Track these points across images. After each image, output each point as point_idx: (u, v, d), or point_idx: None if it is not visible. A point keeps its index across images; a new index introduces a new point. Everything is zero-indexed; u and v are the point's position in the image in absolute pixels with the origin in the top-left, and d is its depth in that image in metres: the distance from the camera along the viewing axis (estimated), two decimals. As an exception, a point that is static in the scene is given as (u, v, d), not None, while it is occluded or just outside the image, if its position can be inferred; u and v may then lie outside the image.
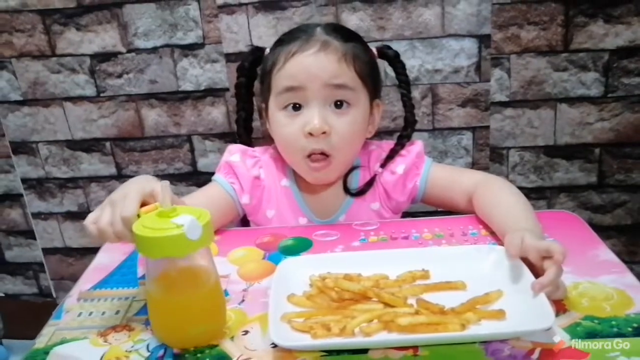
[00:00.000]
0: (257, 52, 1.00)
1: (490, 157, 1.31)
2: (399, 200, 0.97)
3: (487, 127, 1.28)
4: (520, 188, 1.23)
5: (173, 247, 0.60)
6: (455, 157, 1.31)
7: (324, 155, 0.89)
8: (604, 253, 0.78)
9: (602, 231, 1.32)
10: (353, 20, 1.21)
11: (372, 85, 0.93)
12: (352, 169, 0.97)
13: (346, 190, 0.97)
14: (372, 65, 0.94)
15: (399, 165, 0.96)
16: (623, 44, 1.19)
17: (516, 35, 1.21)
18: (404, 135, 0.99)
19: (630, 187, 1.30)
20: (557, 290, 0.67)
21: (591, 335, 0.62)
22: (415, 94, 1.26)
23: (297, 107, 0.88)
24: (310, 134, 0.86)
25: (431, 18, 1.20)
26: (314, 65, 0.86)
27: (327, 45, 0.87)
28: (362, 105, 0.91)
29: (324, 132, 0.86)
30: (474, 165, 1.31)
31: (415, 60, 1.24)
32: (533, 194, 1.33)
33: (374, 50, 0.97)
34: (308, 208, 0.97)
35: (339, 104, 0.88)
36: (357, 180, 0.97)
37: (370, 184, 0.97)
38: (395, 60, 0.99)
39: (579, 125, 1.26)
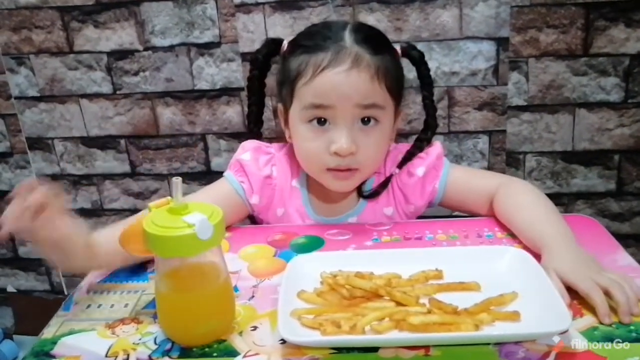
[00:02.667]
0: (272, 45, 0.97)
1: (507, 161, 1.29)
2: (417, 204, 0.94)
3: (504, 131, 1.27)
4: (537, 194, 1.21)
5: (183, 247, 0.60)
6: (471, 161, 1.30)
7: (349, 170, 0.86)
8: (623, 258, 0.76)
9: (621, 239, 1.28)
10: (370, 21, 1.20)
11: (399, 95, 0.90)
12: None
13: (359, 193, 0.95)
14: (399, 72, 0.90)
15: (419, 168, 0.93)
16: (644, 48, 1.17)
17: (535, 39, 1.19)
18: (423, 139, 0.95)
19: (650, 195, 1.28)
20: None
21: (609, 339, 0.60)
22: (432, 96, 1.25)
23: (322, 121, 0.85)
24: (337, 153, 0.84)
25: (449, 20, 1.19)
26: (345, 85, 0.82)
27: (359, 61, 0.82)
28: (388, 121, 0.88)
29: (351, 153, 0.84)
30: (490, 169, 1.30)
31: (432, 63, 1.23)
32: (550, 200, 1.30)
33: (398, 50, 0.92)
34: (315, 211, 0.95)
35: (366, 120, 0.85)
36: (371, 183, 0.95)
37: (384, 185, 0.94)
38: (420, 62, 0.95)
39: (598, 131, 1.24)
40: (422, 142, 0.95)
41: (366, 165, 0.87)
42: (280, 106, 0.95)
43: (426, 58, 1.19)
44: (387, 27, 1.20)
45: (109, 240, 0.72)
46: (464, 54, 1.22)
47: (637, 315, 0.63)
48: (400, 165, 0.94)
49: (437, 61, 1.23)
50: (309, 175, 0.94)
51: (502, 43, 1.20)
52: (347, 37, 0.84)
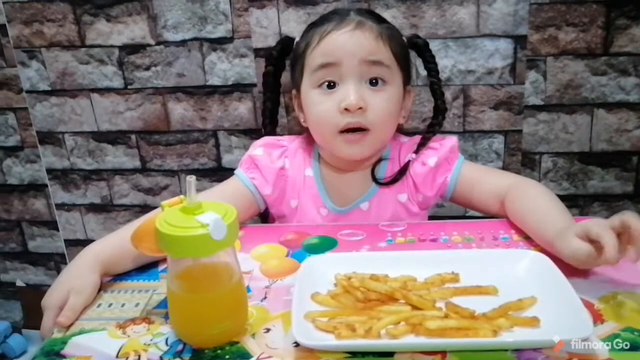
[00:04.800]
0: (286, 42, 0.99)
1: (522, 162, 1.27)
2: (426, 194, 0.95)
3: (520, 131, 1.25)
4: (553, 195, 1.19)
5: (197, 247, 0.59)
6: (486, 160, 1.28)
7: (361, 129, 0.88)
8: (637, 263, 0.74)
9: (638, 242, 1.28)
10: (386, 17, 1.18)
11: (406, 67, 0.93)
12: (380, 160, 0.95)
13: (375, 180, 0.95)
14: (405, 48, 0.94)
15: (431, 158, 0.94)
16: (666, 48, 1.15)
17: (554, 37, 1.17)
18: (435, 123, 0.98)
19: (668, 198, 1.26)
20: None
21: (632, 348, 0.58)
22: (447, 94, 1.23)
23: (331, 85, 0.88)
24: (347, 109, 0.85)
25: (466, 17, 1.17)
26: (350, 42, 0.86)
27: (362, 24, 0.88)
28: (396, 85, 0.90)
29: (360, 108, 0.86)
30: (505, 170, 1.27)
31: (448, 60, 1.21)
32: (565, 201, 1.26)
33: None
34: (329, 197, 0.95)
35: (374, 82, 0.88)
36: (384, 171, 0.96)
37: (402, 172, 0.94)
38: (424, 49, 0.98)
39: (617, 131, 1.22)
40: (434, 127, 0.98)
41: (376, 125, 0.88)
42: (294, 92, 0.97)
43: (442, 55, 1.20)
44: (403, 23, 1.18)
45: (117, 252, 0.76)
46: (480, 52, 1.19)
47: None
48: (416, 151, 0.95)
49: (453, 59, 1.21)
50: (320, 157, 0.96)
51: (519, 41, 1.18)
52: (352, 12, 0.90)
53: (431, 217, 1.15)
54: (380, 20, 0.92)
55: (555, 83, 1.20)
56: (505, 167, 1.28)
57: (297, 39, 0.96)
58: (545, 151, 1.26)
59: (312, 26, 0.92)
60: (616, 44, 1.16)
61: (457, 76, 1.22)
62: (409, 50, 0.97)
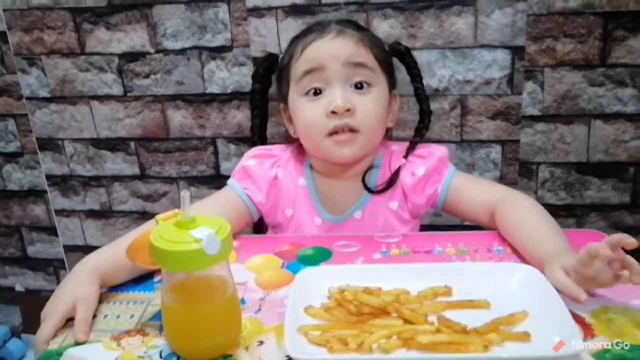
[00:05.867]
0: (271, 59, 1.01)
1: (520, 172, 1.27)
2: (416, 202, 0.95)
3: (517, 141, 1.25)
4: (550, 205, 1.20)
5: (190, 261, 0.59)
6: (483, 170, 1.28)
7: (350, 130, 0.89)
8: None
9: (635, 254, 1.28)
10: (384, 27, 1.19)
11: (389, 72, 0.95)
12: (371, 167, 0.96)
13: (366, 188, 0.95)
14: (387, 54, 0.96)
15: (420, 167, 0.95)
16: (663, 60, 1.15)
17: (551, 48, 1.17)
18: (421, 127, 1.00)
19: (665, 209, 1.26)
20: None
21: (622, 362, 0.59)
22: (444, 104, 1.24)
23: (317, 92, 0.89)
24: (334, 112, 0.86)
25: (464, 27, 1.18)
26: (332, 47, 0.89)
27: (343, 32, 0.90)
28: (381, 88, 0.92)
29: (348, 110, 0.87)
30: (502, 179, 1.28)
31: (445, 70, 1.21)
32: (562, 211, 1.29)
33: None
34: (322, 206, 0.96)
35: (359, 86, 0.89)
36: (375, 178, 0.96)
37: (393, 180, 0.95)
38: (406, 56, 1.01)
39: (614, 142, 1.22)
40: (420, 130, 1.01)
41: (365, 127, 0.89)
42: (282, 106, 0.98)
43: (440, 66, 1.20)
44: (401, 33, 1.19)
45: (114, 264, 0.77)
46: (478, 62, 1.20)
47: None
48: (405, 155, 0.97)
49: (451, 69, 1.21)
50: (312, 168, 0.97)
51: (517, 52, 1.18)
52: (332, 23, 0.93)
53: (429, 226, 1.16)
54: (360, 28, 0.94)
55: (553, 94, 1.21)
56: (502, 177, 1.28)
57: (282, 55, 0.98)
58: (543, 161, 1.26)
59: (295, 39, 0.94)
60: (613, 55, 1.16)
61: (455, 86, 1.22)
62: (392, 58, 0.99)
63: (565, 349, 0.58)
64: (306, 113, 0.90)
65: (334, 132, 0.88)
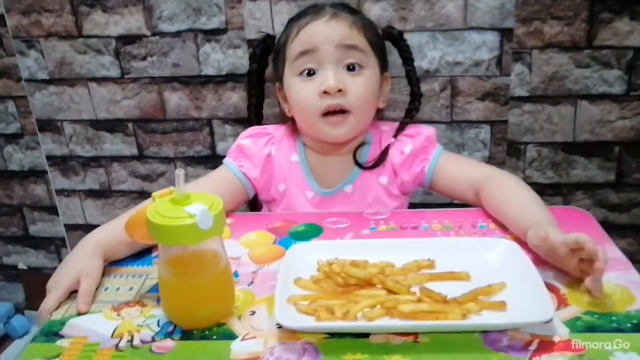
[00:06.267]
0: (267, 40, 1.03)
1: (508, 151, 1.31)
2: (404, 179, 0.99)
3: (506, 122, 1.28)
4: (537, 184, 1.23)
5: (185, 236, 0.62)
6: (473, 150, 1.31)
7: (342, 111, 0.92)
8: (611, 250, 0.77)
9: (618, 230, 1.32)
10: (375, 10, 1.21)
11: (381, 55, 0.97)
12: (362, 144, 0.99)
13: (356, 163, 0.99)
14: (379, 37, 0.98)
15: (407, 146, 0.98)
16: (648, 41, 1.18)
17: (539, 30, 1.20)
18: (412, 109, 1.03)
19: (648, 187, 1.29)
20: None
21: (590, 329, 0.62)
22: (435, 86, 1.27)
23: (311, 72, 0.92)
24: (326, 92, 0.90)
25: (453, 10, 1.20)
26: (326, 29, 0.91)
27: (337, 15, 0.93)
28: (373, 70, 0.95)
29: (339, 90, 0.90)
30: (491, 159, 1.31)
31: (436, 52, 1.24)
32: (549, 190, 1.32)
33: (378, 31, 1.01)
34: (314, 180, 1.00)
35: (351, 67, 0.92)
36: (366, 155, 1.00)
37: (382, 156, 0.99)
38: (399, 39, 1.02)
39: (599, 122, 1.25)
40: (410, 112, 1.03)
41: (356, 107, 0.93)
42: (277, 85, 1.01)
43: (430, 48, 1.23)
44: (392, 16, 1.21)
45: (115, 240, 0.80)
46: (467, 44, 1.23)
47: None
48: (395, 135, 1.00)
49: (441, 51, 1.24)
50: (304, 144, 1.01)
51: (506, 34, 1.21)
52: (327, 6, 0.95)
53: (419, 204, 1.19)
54: (354, 11, 0.96)
55: (540, 75, 1.23)
56: (491, 157, 1.31)
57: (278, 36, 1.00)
58: (530, 141, 1.29)
59: (291, 21, 0.97)
60: (599, 37, 1.19)
61: (445, 68, 1.25)
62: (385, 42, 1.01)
63: (538, 316, 0.61)
64: (300, 93, 0.93)
65: (326, 113, 0.91)
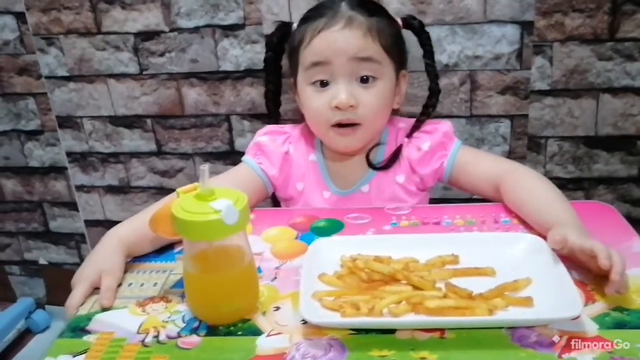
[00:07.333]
0: (284, 28, 1.03)
1: (528, 146, 1.29)
2: (422, 174, 0.98)
3: (526, 116, 1.27)
4: (558, 178, 1.22)
5: (210, 231, 0.63)
6: (492, 144, 1.30)
7: (352, 124, 0.92)
8: (638, 245, 0.77)
9: (640, 225, 1.30)
10: (394, 4, 1.21)
11: (398, 56, 0.95)
12: (378, 144, 0.99)
13: (369, 164, 0.98)
14: (397, 36, 0.96)
15: (425, 142, 0.97)
16: (672, 33, 1.16)
17: (560, 23, 1.18)
18: (429, 105, 1.01)
19: (672, 181, 1.28)
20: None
21: (620, 326, 0.62)
22: (454, 80, 1.26)
23: (324, 83, 0.92)
24: (337, 107, 0.89)
25: (473, 3, 1.19)
26: (339, 41, 0.89)
27: (352, 20, 0.90)
28: (388, 78, 0.93)
29: (351, 106, 0.89)
30: (511, 154, 1.30)
31: (455, 46, 1.23)
32: (571, 184, 1.31)
33: (399, 21, 0.99)
34: (331, 180, 1.00)
35: (364, 79, 0.91)
36: (382, 155, 0.99)
37: (394, 157, 0.98)
38: (420, 30, 1.01)
39: (622, 116, 1.24)
40: (427, 108, 1.01)
41: (367, 119, 0.92)
42: (291, 80, 1.01)
43: (449, 41, 1.22)
44: (411, 10, 1.20)
45: (138, 236, 0.81)
46: (487, 37, 1.21)
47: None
48: (409, 134, 0.99)
49: (461, 45, 1.23)
50: (322, 144, 1.00)
51: (526, 27, 1.19)
52: (343, 5, 0.92)
53: (439, 200, 1.18)
54: (372, 11, 0.93)
55: (561, 68, 1.22)
56: (511, 151, 1.30)
57: (295, 24, 0.99)
58: (551, 135, 1.28)
59: (306, 20, 0.94)
60: (622, 29, 1.17)
61: (465, 61, 1.24)
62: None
63: (566, 312, 0.61)
64: (312, 102, 0.93)
65: (336, 125, 0.92)
